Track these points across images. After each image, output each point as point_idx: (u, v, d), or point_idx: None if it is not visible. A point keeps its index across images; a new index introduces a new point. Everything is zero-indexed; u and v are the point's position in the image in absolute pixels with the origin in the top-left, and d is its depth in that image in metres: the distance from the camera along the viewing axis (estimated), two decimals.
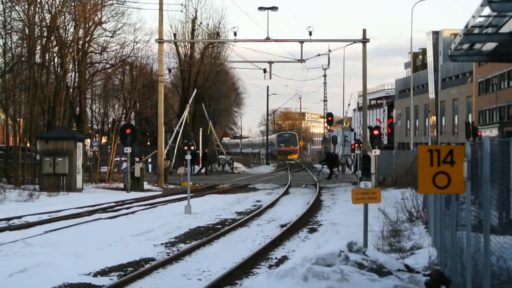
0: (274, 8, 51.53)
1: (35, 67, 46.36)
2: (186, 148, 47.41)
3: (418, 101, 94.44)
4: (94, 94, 57.40)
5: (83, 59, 50.55)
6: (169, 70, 69.39)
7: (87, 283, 14.82)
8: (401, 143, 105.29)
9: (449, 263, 12.25)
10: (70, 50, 49.32)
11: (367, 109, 54.97)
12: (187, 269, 16.47)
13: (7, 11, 46.80)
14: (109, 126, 55.77)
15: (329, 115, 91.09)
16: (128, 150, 43.21)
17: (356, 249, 12.99)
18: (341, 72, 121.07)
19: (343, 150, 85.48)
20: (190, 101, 65.52)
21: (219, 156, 76.51)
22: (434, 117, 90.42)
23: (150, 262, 17.26)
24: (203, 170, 69.09)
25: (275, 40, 50.70)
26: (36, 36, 47.06)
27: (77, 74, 51.22)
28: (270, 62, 53.61)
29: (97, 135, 59.23)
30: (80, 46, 50.18)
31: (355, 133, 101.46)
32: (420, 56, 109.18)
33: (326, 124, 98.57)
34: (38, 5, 47.16)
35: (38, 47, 47.52)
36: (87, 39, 50.80)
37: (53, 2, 48.55)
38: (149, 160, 63.85)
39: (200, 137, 70.68)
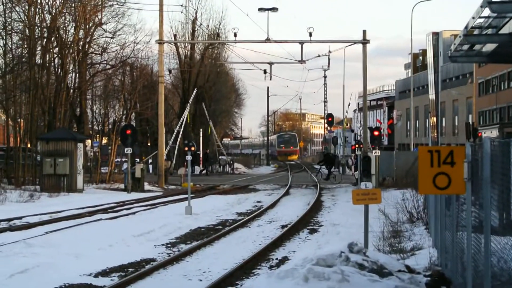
0: (274, 9, 51.55)
1: (36, 68, 46.37)
2: (186, 148, 47.40)
3: (418, 102, 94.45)
4: (95, 95, 57.43)
5: (83, 60, 50.56)
6: (170, 71, 69.35)
7: (88, 283, 14.83)
8: (401, 144, 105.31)
9: (450, 264, 12.27)
10: (71, 51, 49.34)
11: (367, 110, 54.96)
12: (188, 269, 16.49)
13: (7, 12, 46.86)
14: (110, 127, 55.77)
15: (329, 116, 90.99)
16: (128, 150, 43.24)
17: (356, 250, 13.01)
18: (341, 73, 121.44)
19: (343, 151, 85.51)
20: (190, 101, 65.53)
21: (220, 157, 76.52)
22: (434, 118, 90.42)
23: (151, 263, 17.28)
24: (204, 171, 69.09)
25: (275, 41, 50.72)
26: (36, 37, 47.08)
27: (77, 75, 51.23)
28: (270, 63, 53.62)
29: (97, 135, 59.22)
30: (80, 47, 50.19)
31: (355, 134, 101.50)
32: (420, 57, 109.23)
33: (326, 125, 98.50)
34: (39, 6, 47.18)
35: (39, 48, 47.55)
36: (87, 40, 50.82)
37: (54, 3, 48.61)
38: (150, 160, 63.86)
39: (201, 138, 70.67)
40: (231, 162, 77.01)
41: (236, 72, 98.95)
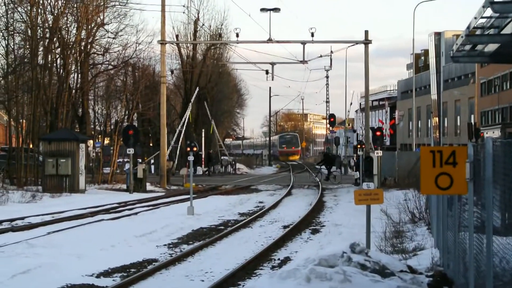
0: (276, 9, 51.51)
1: (38, 69, 46.40)
2: (188, 149, 47.42)
3: (420, 102, 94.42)
4: (97, 95, 57.44)
5: (85, 60, 50.59)
6: (172, 72, 69.30)
7: (90, 284, 14.84)
8: (403, 144, 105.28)
9: (452, 264, 12.26)
10: (73, 51, 49.37)
11: (369, 110, 54.94)
12: (190, 270, 16.49)
13: (9, 12, 46.87)
14: (112, 127, 55.78)
15: (332, 116, 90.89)
16: (130, 151, 43.26)
17: (358, 250, 13.00)
18: (343, 73, 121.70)
19: (345, 151, 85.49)
20: (192, 100, 65.48)
21: (222, 157, 76.54)
22: (437, 118, 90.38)
23: (153, 263, 17.28)
24: (207, 172, 69.10)
25: (277, 41, 50.71)
26: (38, 37, 47.10)
27: (79, 75, 51.27)
28: (272, 63, 53.61)
29: (99, 136, 59.27)
30: (82, 48, 50.22)
31: (357, 134, 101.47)
32: (422, 57, 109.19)
33: (328, 125, 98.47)
34: (41, 7, 47.22)
35: (41, 49, 47.57)
36: (89, 41, 50.85)
37: (56, 3, 48.65)
38: (152, 161, 63.89)
39: (203, 138, 70.69)
40: (233, 162, 77.03)
41: (238, 73, 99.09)
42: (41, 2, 47.09)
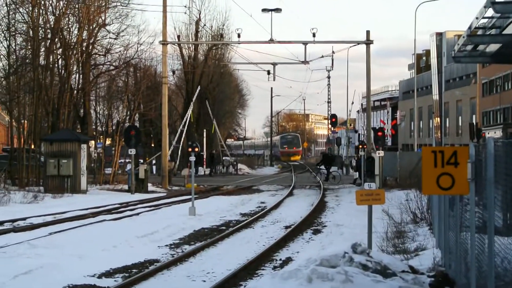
0: (277, 10, 51.51)
1: (39, 69, 46.43)
2: (190, 149, 47.45)
3: (422, 103, 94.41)
4: (98, 96, 57.47)
5: (87, 61, 50.62)
6: (173, 72, 69.40)
7: (91, 284, 14.85)
8: (405, 144, 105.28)
9: (454, 264, 12.26)
10: (74, 52, 49.40)
11: (371, 110, 54.95)
12: (192, 270, 16.50)
13: (11, 13, 46.89)
14: (113, 128, 55.82)
15: (333, 116, 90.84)
16: (132, 151, 43.28)
17: (360, 251, 13.00)
18: (345, 73, 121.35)
19: (347, 151, 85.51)
20: (194, 99, 65.46)
21: (223, 158, 76.54)
22: (438, 119, 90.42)
23: (155, 264, 17.29)
24: (207, 171, 69.11)
25: (279, 42, 50.71)
26: (40, 38, 47.13)
27: (81, 76, 51.31)
28: (274, 64, 53.62)
29: (101, 136, 59.33)
30: (84, 48, 50.25)
31: (359, 135, 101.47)
32: (424, 58, 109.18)
33: (330, 126, 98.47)
34: (42, 7, 47.24)
35: (42, 49, 47.60)
36: (91, 41, 50.88)
37: (57, 4, 48.68)
38: (153, 161, 63.91)
39: (204, 139, 70.71)
40: (235, 162, 77.05)
41: (240, 73, 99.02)
42: (42, 2, 47.12)
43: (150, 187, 45.62)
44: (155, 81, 64.16)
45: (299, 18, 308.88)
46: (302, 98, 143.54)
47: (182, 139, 63.87)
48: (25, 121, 47.41)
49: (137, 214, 29.33)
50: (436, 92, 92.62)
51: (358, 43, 51.59)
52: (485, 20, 20.92)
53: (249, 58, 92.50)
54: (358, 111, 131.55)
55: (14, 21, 47.32)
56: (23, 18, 47.92)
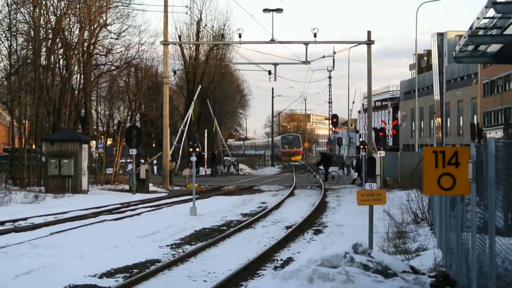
0: (278, 10, 51.49)
1: (41, 69, 46.43)
2: (191, 149, 47.46)
3: (423, 103, 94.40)
4: (99, 96, 57.48)
5: (88, 61, 50.64)
6: (174, 72, 69.42)
7: (92, 284, 14.85)
8: (406, 144, 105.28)
9: (455, 264, 12.26)
10: (75, 52, 49.42)
11: (372, 110, 54.94)
12: (193, 270, 16.51)
13: (12, 13, 46.88)
14: (114, 128, 55.83)
15: (334, 116, 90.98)
16: (133, 151, 43.30)
17: (361, 251, 13.00)
18: (346, 73, 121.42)
19: (348, 152, 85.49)
20: (194, 98, 65.43)
21: (225, 158, 76.54)
22: (439, 119, 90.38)
23: (156, 264, 17.29)
24: (208, 171, 69.11)
25: (280, 42, 50.71)
26: (41, 38, 47.14)
27: (82, 76, 51.33)
28: (275, 64, 53.60)
29: (102, 137, 59.31)
30: (85, 48, 50.27)
31: (360, 135, 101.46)
32: (425, 58, 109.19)
33: (331, 126, 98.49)
34: (43, 7, 47.24)
35: (44, 49, 47.60)
36: (92, 41, 50.90)
37: (58, 4, 48.70)
38: (155, 161, 63.92)
39: (206, 139, 70.72)
40: (236, 163, 77.06)
41: (241, 73, 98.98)
42: (43, 3, 47.13)
43: (151, 187, 45.63)
44: (156, 81, 64.17)
45: (300, 18, 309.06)
46: (303, 98, 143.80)
47: (183, 139, 63.86)
48: (26, 121, 47.41)
49: (138, 214, 29.34)
50: (437, 92, 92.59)
51: (359, 43, 51.57)
52: (486, 21, 20.92)
53: (250, 58, 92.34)
54: (359, 111, 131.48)
55: (15, 21, 47.35)
56: (24, 18, 47.98)
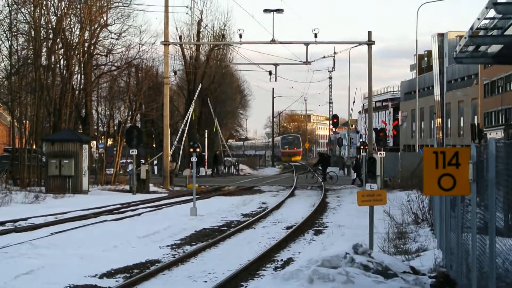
0: (279, 10, 51.45)
1: (41, 69, 46.43)
2: (191, 150, 47.43)
3: (423, 103, 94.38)
4: (100, 96, 57.46)
5: (88, 61, 50.63)
6: (175, 72, 69.38)
7: (93, 285, 14.86)
8: (406, 145, 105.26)
9: (455, 265, 12.26)
10: (76, 52, 49.42)
11: (372, 111, 54.94)
12: (193, 271, 16.51)
13: (13, 13, 46.88)
14: (115, 128, 55.83)
15: (335, 117, 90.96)
16: (133, 152, 43.30)
17: (361, 251, 13.00)
18: (347, 74, 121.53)
19: (348, 152, 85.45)
20: (195, 97, 65.40)
21: (225, 158, 76.53)
22: (440, 119, 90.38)
23: (156, 264, 17.29)
24: (209, 172, 69.10)
25: (281, 42, 50.70)
26: (42, 38, 47.14)
27: (83, 76, 51.32)
28: (276, 64, 53.60)
29: (102, 137, 59.29)
30: (86, 48, 50.26)
31: (360, 135, 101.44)
32: (426, 58, 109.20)
33: (331, 126, 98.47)
34: (44, 8, 47.24)
35: (44, 49, 47.59)
36: (92, 41, 50.90)
37: (59, 4, 48.69)
38: (155, 162, 63.92)
39: (206, 139, 70.70)
40: (236, 163, 77.07)
41: (241, 74, 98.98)
42: (44, 3, 47.12)
43: (152, 187, 45.64)
44: (156, 81, 64.16)
45: (301, 19, 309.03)
46: (304, 99, 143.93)
47: (184, 139, 63.84)
48: (27, 121, 47.41)
49: (139, 214, 29.35)
50: (437, 92, 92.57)
51: (360, 43, 51.55)
52: (487, 21, 20.92)
53: (250, 59, 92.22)
54: (359, 112, 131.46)
55: (16, 21, 47.34)
56: (25, 18, 47.96)
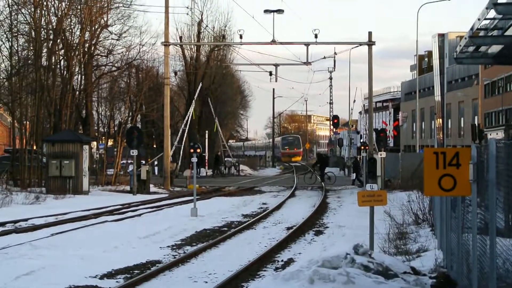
0: (279, 11, 51.40)
1: (42, 70, 46.44)
2: (192, 150, 47.45)
3: (424, 104, 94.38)
4: (100, 96, 57.47)
5: (89, 62, 50.63)
6: (175, 73, 69.40)
7: (93, 285, 14.86)
8: (407, 145, 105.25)
9: (455, 265, 12.26)
10: (76, 53, 49.42)
11: (373, 111, 54.92)
12: (194, 271, 16.50)
13: (13, 14, 46.90)
14: (115, 129, 55.84)
15: (335, 117, 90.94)
16: (134, 152, 43.29)
17: (362, 252, 13.00)
18: (347, 74, 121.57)
19: (349, 153, 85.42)
20: (195, 97, 65.37)
21: (225, 159, 76.51)
22: (440, 120, 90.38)
23: (157, 265, 17.29)
24: (209, 172, 69.10)
25: (281, 43, 50.68)
26: (42, 39, 47.15)
27: (83, 77, 51.32)
28: (276, 65, 53.59)
29: (103, 137, 59.30)
30: (86, 49, 50.26)
31: (361, 136, 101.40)
32: (426, 59, 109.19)
33: (332, 127, 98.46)
34: (44, 8, 47.25)
35: (45, 50, 47.61)
36: (93, 42, 50.90)
37: (59, 5, 48.68)
38: (155, 162, 63.92)
39: (206, 140, 70.69)
40: (237, 164, 77.06)
41: (242, 74, 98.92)
42: (45, 3, 47.13)
43: (152, 188, 45.63)
44: (157, 82, 64.13)
45: (301, 19, 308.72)
46: (304, 99, 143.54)
47: (184, 139, 63.82)
48: (27, 122, 47.42)
49: (139, 215, 29.35)
50: (438, 93, 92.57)
51: (360, 44, 51.53)
52: (487, 22, 20.90)
53: (251, 59, 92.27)
54: (360, 112, 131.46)
55: (16, 22, 47.35)
56: (25, 19, 47.96)
